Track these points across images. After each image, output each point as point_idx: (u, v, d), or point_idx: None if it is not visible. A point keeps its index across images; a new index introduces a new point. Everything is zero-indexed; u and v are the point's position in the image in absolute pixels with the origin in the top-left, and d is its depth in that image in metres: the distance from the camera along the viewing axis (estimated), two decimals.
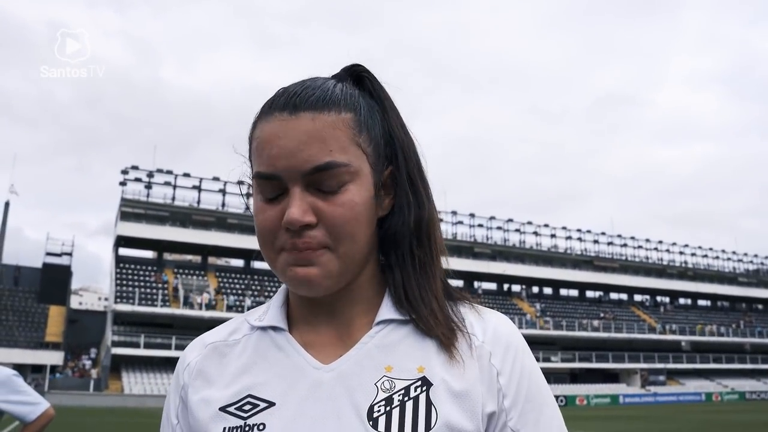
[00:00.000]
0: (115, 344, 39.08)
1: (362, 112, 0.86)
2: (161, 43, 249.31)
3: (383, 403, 0.78)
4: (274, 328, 0.88)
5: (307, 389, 0.81)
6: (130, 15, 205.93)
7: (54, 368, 39.15)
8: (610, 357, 54.44)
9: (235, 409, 0.82)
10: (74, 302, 56.49)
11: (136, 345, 39.49)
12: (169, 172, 46.56)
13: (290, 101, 0.82)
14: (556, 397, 45.14)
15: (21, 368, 37.69)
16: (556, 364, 51.82)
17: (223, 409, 0.83)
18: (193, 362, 0.90)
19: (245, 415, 0.81)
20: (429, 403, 0.78)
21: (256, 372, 0.85)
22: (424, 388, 0.79)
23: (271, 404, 0.81)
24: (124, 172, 45.34)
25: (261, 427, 0.79)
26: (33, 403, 2.95)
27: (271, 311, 0.91)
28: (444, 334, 0.83)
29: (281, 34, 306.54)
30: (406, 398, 0.79)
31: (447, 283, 0.91)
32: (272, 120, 0.82)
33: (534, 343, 51.80)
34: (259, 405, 0.81)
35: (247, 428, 0.80)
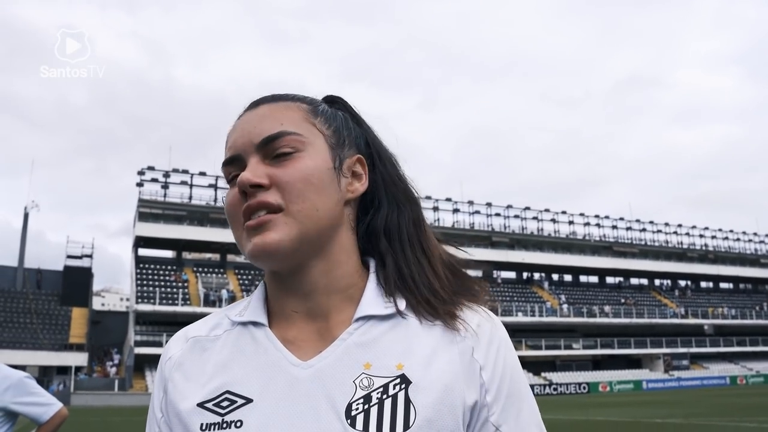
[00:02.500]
0: (138, 344, 39.45)
1: (321, 106, 0.92)
2: (172, 43, 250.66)
3: (361, 401, 0.77)
4: (255, 324, 0.88)
5: (285, 386, 0.80)
6: (141, 15, 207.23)
7: (78, 369, 39.63)
8: (632, 343, 54.08)
9: (213, 405, 0.81)
10: (96, 303, 57.02)
11: (159, 344, 39.69)
12: (185, 172, 46.82)
13: (253, 101, 0.92)
14: (579, 384, 45.25)
15: (46, 370, 38.19)
16: (578, 351, 51.44)
17: (201, 404, 0.82)
18: (175, 356, 0.90)
19: (223, 411, 0.80)
20: (408, 401, 0.77)
21: (235, 368, 0.84)
22: (403, 386, 0.78)
23: (248, 401, 0.80)
24: (141, 173, 45.62)
25: (238, 424, 0.78)
26: (46, 404, 2.97)
27: (251, 306, 0.91)
28: (448, 314, 0.84)
29: (291, 30, 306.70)
30: (384, 396, 0.77)
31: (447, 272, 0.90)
32: (237, 119, 0.91)
33: (555, 330, 51.67)
34: (236, 401, 0.80)
35: (224, 425, 0.79)
